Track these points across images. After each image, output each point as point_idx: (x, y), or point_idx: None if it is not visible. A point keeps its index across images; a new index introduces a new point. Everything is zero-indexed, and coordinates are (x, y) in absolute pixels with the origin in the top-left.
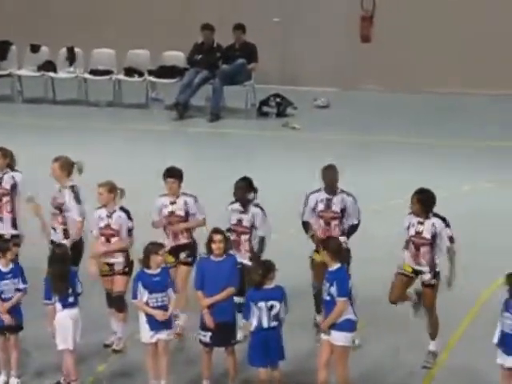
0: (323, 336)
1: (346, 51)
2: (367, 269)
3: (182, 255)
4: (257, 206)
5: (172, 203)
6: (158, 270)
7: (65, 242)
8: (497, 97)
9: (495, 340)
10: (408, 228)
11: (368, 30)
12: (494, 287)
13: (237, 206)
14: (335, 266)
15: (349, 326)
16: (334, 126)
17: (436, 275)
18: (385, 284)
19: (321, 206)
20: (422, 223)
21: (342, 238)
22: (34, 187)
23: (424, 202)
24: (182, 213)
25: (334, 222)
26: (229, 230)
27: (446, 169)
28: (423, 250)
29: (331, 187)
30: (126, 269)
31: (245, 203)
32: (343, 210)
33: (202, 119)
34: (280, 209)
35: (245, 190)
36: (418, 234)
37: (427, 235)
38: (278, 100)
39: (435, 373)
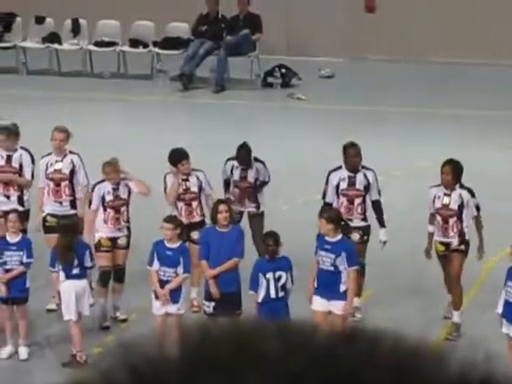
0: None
1: (350, 21)
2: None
3: (195, 235)
4: (256, 160)
5: (184, 180)
6: (175, 246)
7: (73, 212)
8: (502, 66)
9: (499, 310)
10: (433, 201)
11: (372, 0)
12: (502, 254)
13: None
14: (338, 236)
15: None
16: (339, 97)
17: (464, 241)
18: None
19: (343, 185)
20: (448, 195)
21: (383, 231)
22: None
23: (455, 172)
24: (195, 189)
25: (358, 200)
26: (228, 184)
27: (452, 137)
28: (451, 221)
29: (354, 166)
30: (129, 242)
31: (249, 165)
32: (366, 187)
33: (207, 90)
34: (286, 179)
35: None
36: (445, 206)
37: (454, 206)
38: (283, 71)
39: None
